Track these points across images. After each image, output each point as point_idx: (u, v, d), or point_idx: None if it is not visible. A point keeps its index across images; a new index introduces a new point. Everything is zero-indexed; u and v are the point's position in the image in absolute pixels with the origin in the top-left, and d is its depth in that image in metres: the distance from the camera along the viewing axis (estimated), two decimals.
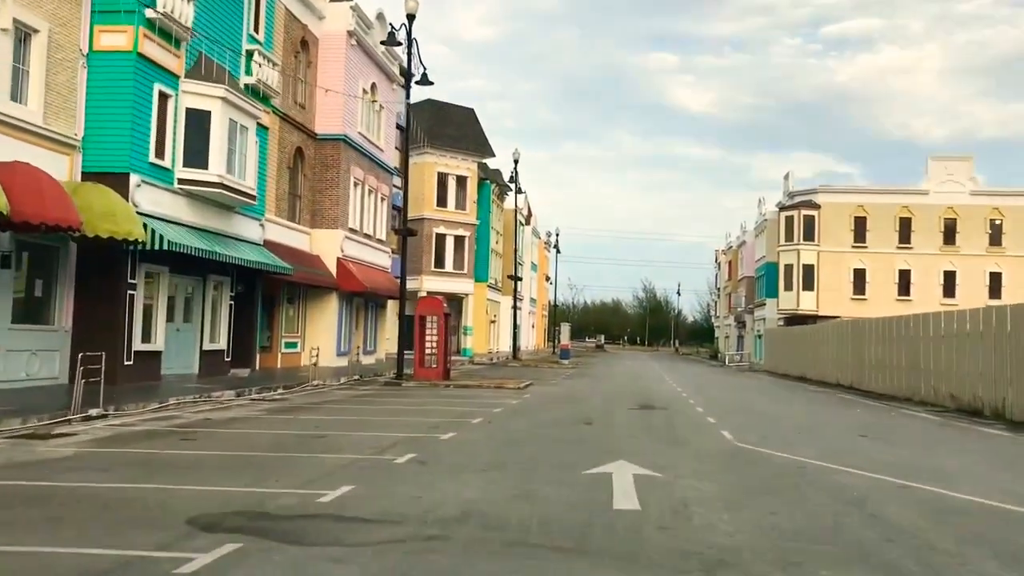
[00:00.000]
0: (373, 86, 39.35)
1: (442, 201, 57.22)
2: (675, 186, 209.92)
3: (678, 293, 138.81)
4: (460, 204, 58.11)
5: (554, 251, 79.52)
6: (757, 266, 78.03)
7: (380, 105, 40.27)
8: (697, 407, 22.54)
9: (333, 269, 35.33)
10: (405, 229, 28.82)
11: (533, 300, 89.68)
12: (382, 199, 41.10)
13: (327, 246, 35.37)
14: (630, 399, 24.97)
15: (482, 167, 63.56)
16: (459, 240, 58.05)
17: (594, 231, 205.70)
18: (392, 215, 44.77)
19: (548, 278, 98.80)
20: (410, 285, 57.59)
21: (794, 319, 65.39)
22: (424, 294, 56.12)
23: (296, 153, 34.12)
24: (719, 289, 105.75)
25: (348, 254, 36.15)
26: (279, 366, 32.75)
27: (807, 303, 65.53)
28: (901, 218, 65.68)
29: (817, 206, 65.81)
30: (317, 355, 27.73)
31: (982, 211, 64.89)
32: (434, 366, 29.04)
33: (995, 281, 64.79)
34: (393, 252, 44.84)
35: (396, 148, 45.46)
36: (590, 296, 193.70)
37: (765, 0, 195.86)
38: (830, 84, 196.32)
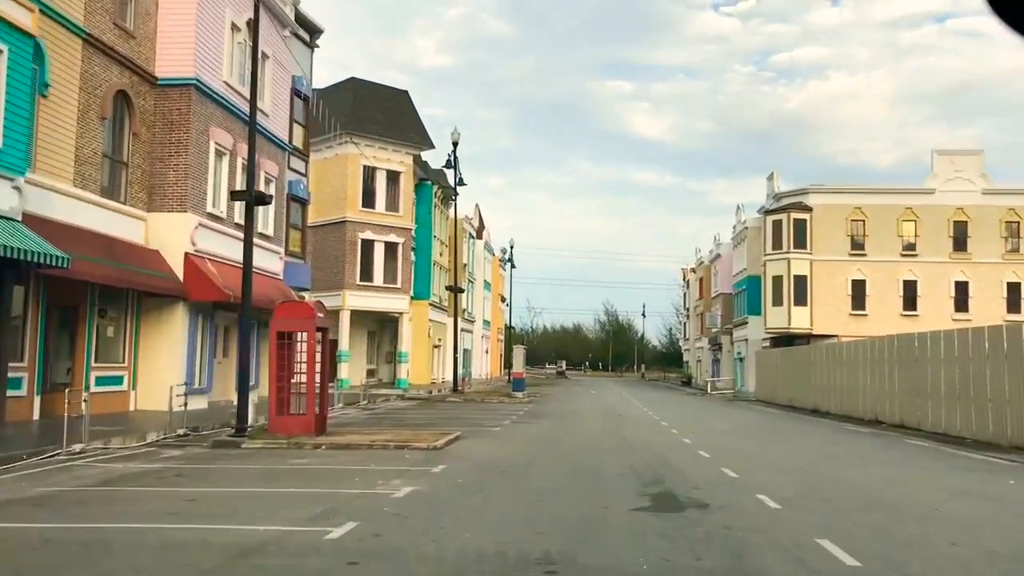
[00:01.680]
0: (251, 24, 28.11)
1: (369, 201, 45.96)
2: (633, 212, 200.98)
3: (643, 315, 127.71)
4: (392, 205, 46.89)
5: (509, 267, 68.51)
6: (736, 280, 67.56)
7: (264, 53, 29.03)
8: (759, 494, 11.19)
9: (179, 270, 23.90)
10: (249, 192, 17.34)
11: (487, 323, 78.32)
12: (268, 181, 29.75)
13: (170, 236, 23.92)
14: (622, 471, 13.73)
15: (422, 165, 52.50)
16: (391, 248, 46.74)
17: (552, 252, 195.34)
18: (290, 206, 33.44)
19: (504, 299, 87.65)
20: (329, 303, 46.18)
21: (784, 339, 54.88)
22: (347, 313, 44.82)
23: (119, 100, 22.75)
24: (688, 310, 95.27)
25: (204, 249, 24.70)
26: (85, 413, 21.12)
27: (800, 320, 54.98)
28: (904, 221, 55.55)
29: (809, 208, 55.51)
30: (87, 400, 16.22)
31: (996, 212, 54.89)
32: (301, 412, 17.66)
33: (1014, 292, 54.73)
34: (291, 255, 33.45)
35: (298, 123, 34.29)
36: (549, 321, 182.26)
37: (717, 29, 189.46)
38: (782, 111, 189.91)
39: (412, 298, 52.72)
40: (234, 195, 17.75)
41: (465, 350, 69.77)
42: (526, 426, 23.38)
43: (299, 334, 17.76)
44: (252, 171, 18.10)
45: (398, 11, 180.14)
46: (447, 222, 60.95)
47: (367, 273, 45.59)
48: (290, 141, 32.95)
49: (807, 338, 54.15)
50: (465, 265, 67.05)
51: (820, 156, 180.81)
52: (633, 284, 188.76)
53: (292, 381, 17.85)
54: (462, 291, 48.08)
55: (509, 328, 67.59)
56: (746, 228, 63.63)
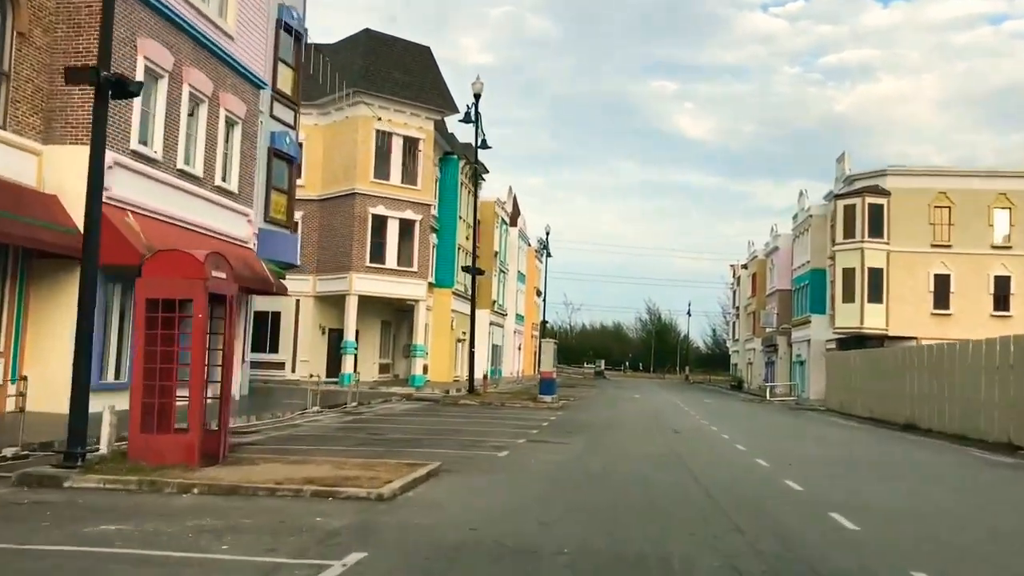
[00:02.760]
0: None
1: (383, 171, 39.21)
2: (675, 213, 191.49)
3: (688, 313, 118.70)
4: (409, 177, 40.12)
5: (544, 257, 61.55)
6: (797, 275, 59.86)
7: None
8: None
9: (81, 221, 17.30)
10: (97, 69, 10.53)
11: (520, 317, 71.26)
12: (231, 123, 23.08)
13: (73, 177, 17.30)
14: None
15: (447, 137, 45.77)
16: (406, 225, 39.97)
17: (592, 248, 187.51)
18: (272, 162, 26.83)
19: (539, 293, 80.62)
20: (334, 287, 39.75)
21: (853, 340, 47.26)
22: (354, 299, 38.22)
23: None
24: (738, 309, 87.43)
25: (123, 197, 18.05)
26: None
27: (874, 319, 47.25)
28: (997, 209, 47.54)
29: (886, 192, 47.77)
30: None
31: None
32: (183, 428, 10.89)
33: None
34: (273, 222, 26.90)
35: (286, 63, 27.67)
36: (588, 318, 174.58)
37: (764, 30, 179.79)
38: (829, 113, 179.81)
39: (433, 285, 46.07)
40: (71, 75, 10.91)
41: (495, 346, 62.99)
42: (547, 449, 16.35)
43: (179, 302, 10.91)
44: (107, 30, 11.29)
45: (441, 9, 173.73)
46: (477, 205, 54.13)
47: (378, 254, 38.84)
48: (274, 83, 26.37)
49: (881, 340, 46.53)
50: (496, 253, 60.25)
51: (868, 159, 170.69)
52: (676, 282, 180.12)
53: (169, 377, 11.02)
54: (481, 273, 41.12)
55: (544, 323, 60.75)
56: (810, 216, 55.91)
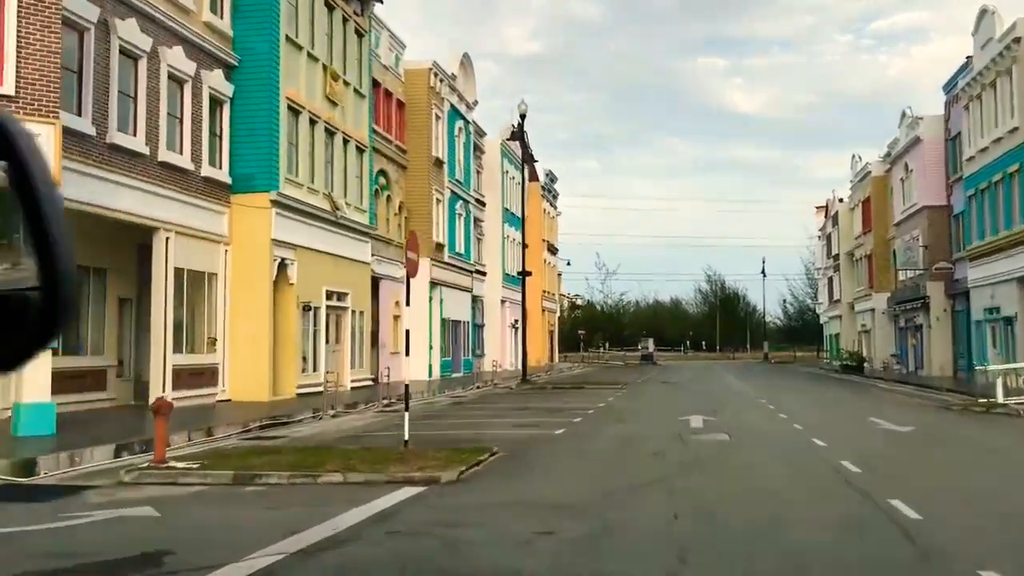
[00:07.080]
0: None
1: None
2: (734, 188, 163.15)
3: (762, 272, 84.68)
4: None
5: (524, 172, 33.53)
6: (972, 172, 30.91)
7: None
8: None
9: None
10: None
11: (509, 278, 43.13)
12: None
13: None
14: None
15: None
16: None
17: (642, 210, 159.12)
18: None
19: (554, 249, 52.60)
20: None
21: None
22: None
23: None
24: (836, 259, 57.88)
25: None
26: None
27: None
28: None
29: None
30: None
31: None
32: None
33: None
34: None
35: None
36: (640, 295, 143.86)
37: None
38: (883, 78, 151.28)
39: (230, 188, 19.33)
40: None
41: (449, 321, 35.24)
42: None
43: None
44: None
45: (483, 2, 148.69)
46: (362, 42, 26.70)
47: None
48: None
49: None
50: (440, 161, 32.71)
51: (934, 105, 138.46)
52: (743, 243, 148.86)
53: None
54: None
55: (518, 278, 32.28)
56: (1015, 42, 27.02)
